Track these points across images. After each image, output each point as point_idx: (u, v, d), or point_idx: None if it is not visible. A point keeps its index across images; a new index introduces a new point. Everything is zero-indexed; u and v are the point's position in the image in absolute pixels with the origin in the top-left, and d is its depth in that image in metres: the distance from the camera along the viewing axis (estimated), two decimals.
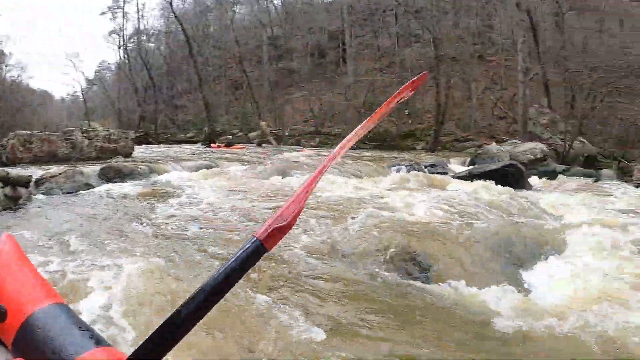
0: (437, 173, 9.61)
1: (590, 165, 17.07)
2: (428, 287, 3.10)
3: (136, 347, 0.60)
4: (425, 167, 10.26)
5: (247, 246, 0.63)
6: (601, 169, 16.69)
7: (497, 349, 2.32)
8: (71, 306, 1.28)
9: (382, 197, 5.96)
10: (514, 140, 13.96)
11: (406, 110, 21.34)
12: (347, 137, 0.82)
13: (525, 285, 3.33)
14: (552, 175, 12.29)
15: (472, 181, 8.00)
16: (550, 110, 20.11)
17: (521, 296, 3.03)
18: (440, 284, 3.15)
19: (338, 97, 26.85)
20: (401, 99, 0.96)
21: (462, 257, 3.58)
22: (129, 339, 2.01)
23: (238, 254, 0.63)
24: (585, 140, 18.48)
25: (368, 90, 23.85)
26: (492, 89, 21.24)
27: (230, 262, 0.62)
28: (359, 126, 0.86)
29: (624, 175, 15.65)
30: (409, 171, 9.03)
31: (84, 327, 1.00)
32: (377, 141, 19.05)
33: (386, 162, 10.46)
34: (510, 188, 6.94)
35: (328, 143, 21.97)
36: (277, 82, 34.02)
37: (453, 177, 8.88)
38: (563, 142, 16.62)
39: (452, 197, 5.84)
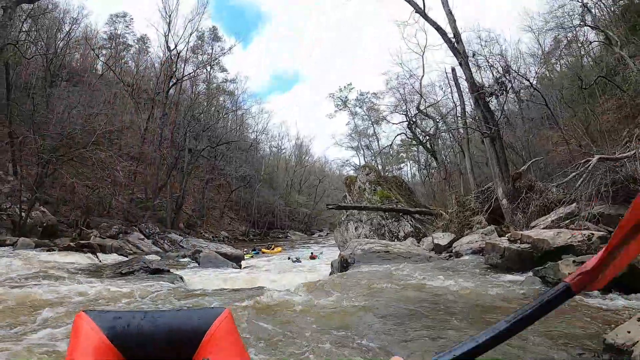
0: None
1: (50, 234, 18.88)
2: None
3: None
4: None
5: (556, 289, 0.75)
6: (60, 237, 18.82)
7: None
8: None
9: None
10: None
11: None
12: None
13: None
14: None
15: None
16: (15, 177, 20.56)
17: None
18: None
19: None
20: None
21: None
22: None
23: (546, 295, 0.75)
24: (46, 210, 20.24)
25: None
26: None
27: (537, 301, 0.74)
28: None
29: (82, 239, 18.31)
30: None
31: None
32: None
33: None
34: None
35: None
36: None
37: None
38: (19, 212, 17.55)
39: None
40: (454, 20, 14.92)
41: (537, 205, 11.19)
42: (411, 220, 17.73)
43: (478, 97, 12.97)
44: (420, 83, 29.12)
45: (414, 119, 29.64)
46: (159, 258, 15.81)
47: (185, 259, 14.46)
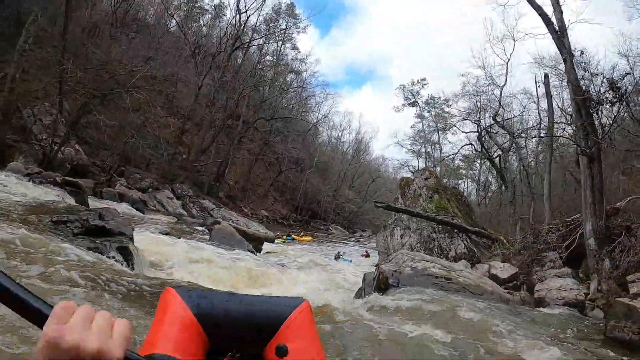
0: None
1: (78, 174, 18.19)
2: None
3: None
4: None
5: None
6: (88, 178, 18.09)
7: None
8: None
9: None
10: None
11: None
12: None
13: None
14: None
15: None
16: (58, 111, 20.09)
17: None
18: None
19: None
20: None
21: None
22: None
23: None
24: (81, 149, 19.57)
25: None
26: None
27: None
28: None
29: (109, 186, 17.55)
30: None
31: None
32: None
33: None
34: None
35: None
36: None
37: None
38: (50, 145, 16.91)
39: None
40: (561, 12, 12.46)
41: (638, 254, 8.59)
42: (466, 240, 15.47)
43: (582, 103, 10.47)
44: (501, 92, 26.39)
45: (487, 129, 26.82)
46: (173, 220, 14.54)
47: (202, 228, 13.09)
